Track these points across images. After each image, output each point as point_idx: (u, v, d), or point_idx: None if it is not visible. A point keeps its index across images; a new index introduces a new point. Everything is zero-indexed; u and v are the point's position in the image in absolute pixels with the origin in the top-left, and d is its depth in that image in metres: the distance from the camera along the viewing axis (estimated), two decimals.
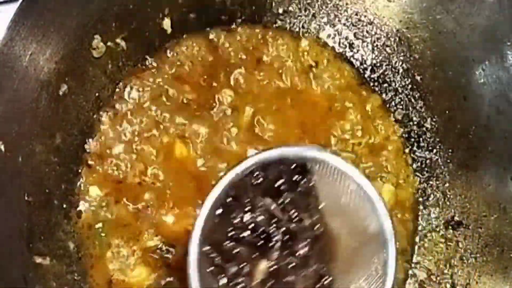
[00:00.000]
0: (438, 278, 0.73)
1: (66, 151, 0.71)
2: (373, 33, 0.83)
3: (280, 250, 0.55)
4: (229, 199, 0.55)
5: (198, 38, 0.81)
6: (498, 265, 0.68)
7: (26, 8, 0.59)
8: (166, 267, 0.70)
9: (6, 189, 0.60)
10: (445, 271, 0.73)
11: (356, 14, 0.83)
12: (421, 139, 0.81)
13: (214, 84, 0.79)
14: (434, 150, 0.79)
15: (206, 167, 0.74)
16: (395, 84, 0.83)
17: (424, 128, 0.80)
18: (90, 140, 0.74)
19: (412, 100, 0.81)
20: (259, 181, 0.56)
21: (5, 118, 0.59)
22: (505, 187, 0.68)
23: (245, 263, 0.54)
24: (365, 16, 0.83)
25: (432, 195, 0.78)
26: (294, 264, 0.55)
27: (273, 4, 0.84)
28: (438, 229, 0.76)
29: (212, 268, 0.54)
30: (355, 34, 0.84)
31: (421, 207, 0.79)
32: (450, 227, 0.75)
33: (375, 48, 0.84)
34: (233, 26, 0.83)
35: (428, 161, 0.80)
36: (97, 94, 0.75)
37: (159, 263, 0.70)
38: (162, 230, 0.71)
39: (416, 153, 0.81)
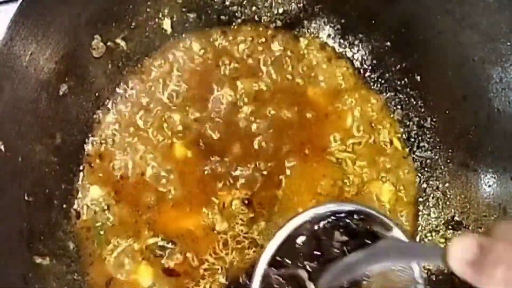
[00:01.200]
0: (439, 277, 0.73)
1: (66, 151, 0.71)
2: (373, 33, 0.83)
3: None
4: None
5: (198, 38, 0.82)
6: None
7: (26, 8, 0.59)
8: (166, 265, 0.70)
9: (6, 189, 0.60)
10: (445, 271, 0.73)
11: (356, 14, 0.83)
12: (421, 139, 0.81)
13: (214, 84, 0.79)
14: (434, 150, 0.79)
15: (207, 166, 0.74)
16: (395, 84, 0.83)
17: (424, 128, 0.80)
18: (90, 140, 0.75)
19: (412, 100, 0.81)
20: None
21: (5, 118, 0.59)
22: (505, 187, 0.68)
23: None
24: (365, 16, 0.82)
25: (432, 195, 0.78)
26: None
27: (273, 4, 0.84)
28: (438, 229, 0.76)
29: None
30: (355, 34, 0.84)
31: (421, 207, 0.79)
32: (450, 227, 0.75)
33: (375, 48, 0.83)
34: (233, 26, 0.83)
35: (428, 161, 0.80)
36: (97, 94, 0.75)
37: (159, 261, 0.70)
38: (163, 229, 0.71)
39: (416, 153, 0.81)
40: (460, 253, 0.37)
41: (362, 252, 0.53)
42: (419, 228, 0.78)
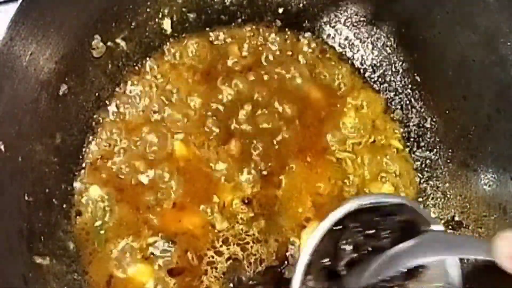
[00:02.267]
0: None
1: (66, 151, 0.71)
2: (373, 33, 0.83)
3: None
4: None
5: (198, 38, 0.82)
6: None
7: (26, 8, 0.59)
8: (166, 263, 0.70)
9: (6, 189, 0.60)
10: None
11: (356, 14, 0.83)
12: (421, 139, 0.81)
13: (214, 83, 0.79)
14: (434, 150, 0.79)
15: (207, 166, 0.74)
16: (395, 84, 0.83)
17: (424, 128, 0.80)
18: (90, 140, 0.75)
19: (412, 100, 0.81)
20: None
21: (5, 118, 0.59)
22: (505, 187, 0.68)
23: None
24: (365, 16, 0.82)
25: (432, 195, 0.78)
26: None
27: (273, 4, 0.84)
28: None
29: None
30: (355, 34, 0.85)
31: (421, 207, 0.79)
32: (450, 227, 0.75)
33: (375, 48, 0.84)
34: (233, 26, 0.83)
35: (428, 161, 0.80)
36: (97, 94, 0.75)
37: (159, 260, 0.70)
38: (162, 228, 0.71)
39: (416, 153, 0.81)
40: (507, 247, 0.39)
41: (407, 245, 0.52)
42: None
